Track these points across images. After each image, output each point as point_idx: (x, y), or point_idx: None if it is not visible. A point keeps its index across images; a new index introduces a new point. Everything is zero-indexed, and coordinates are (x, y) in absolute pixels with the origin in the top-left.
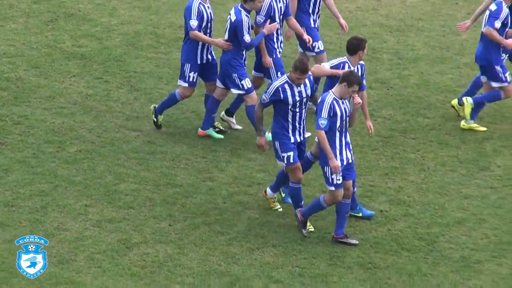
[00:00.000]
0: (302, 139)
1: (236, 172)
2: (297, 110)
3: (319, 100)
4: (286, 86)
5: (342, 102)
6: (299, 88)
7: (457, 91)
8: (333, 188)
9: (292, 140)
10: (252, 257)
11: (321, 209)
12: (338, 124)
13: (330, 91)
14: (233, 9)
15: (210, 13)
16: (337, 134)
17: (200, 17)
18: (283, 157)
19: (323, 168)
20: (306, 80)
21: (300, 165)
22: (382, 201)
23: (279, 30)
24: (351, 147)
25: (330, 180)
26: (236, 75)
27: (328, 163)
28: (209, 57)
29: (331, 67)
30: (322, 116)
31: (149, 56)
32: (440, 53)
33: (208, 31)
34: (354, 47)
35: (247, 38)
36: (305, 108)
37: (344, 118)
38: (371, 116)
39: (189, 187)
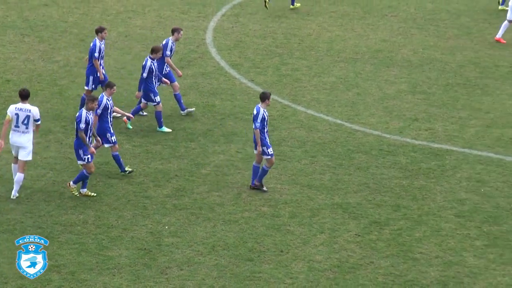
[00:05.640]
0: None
1: None
2: (89, 133)
3: (255, 113)
4: (88, 114)
5: (265, 111)
6: (91, 115)
7: None
8: (269, 157)
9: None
10: None
11: (266, 173)
12: (266, 123)
13: (259, 106)
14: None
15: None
16: (265, 130)
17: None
18: (85, 158)
19: (264, 150)
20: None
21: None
22: None
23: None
24: None
25: (268, 153)
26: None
27: (267, 145)
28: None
29: None
30: (258, 121)
31: None
32: None
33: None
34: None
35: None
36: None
37: (267, 120)
38: None
39: None
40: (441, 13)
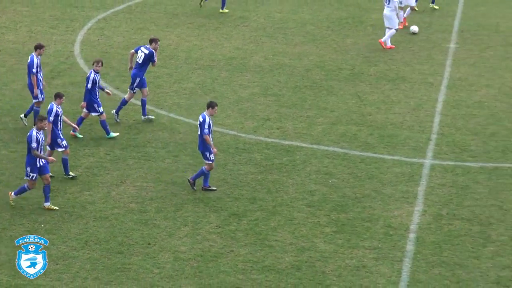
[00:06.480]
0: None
1: None
2: (41, 151)
3: (201, 120)
4: (38, 134)
5: (211, 120)
6: (41, 134)
7: None
8: (210, 162)
9: (38, 165)
10: None
11: (203, 174)
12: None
13: (205, 114)
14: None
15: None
16: (210, 137)
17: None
18: (30, 175)
19: (204, 152)
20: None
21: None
22: None
23: None
24: None
25: (209, 157)
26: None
27: (210, 150)
28: None
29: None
30: (205, 127)
31: None
32: None
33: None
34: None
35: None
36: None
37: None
38: None
39: None
40: (288, 22)
